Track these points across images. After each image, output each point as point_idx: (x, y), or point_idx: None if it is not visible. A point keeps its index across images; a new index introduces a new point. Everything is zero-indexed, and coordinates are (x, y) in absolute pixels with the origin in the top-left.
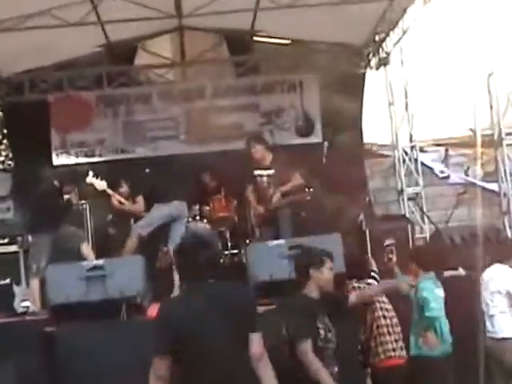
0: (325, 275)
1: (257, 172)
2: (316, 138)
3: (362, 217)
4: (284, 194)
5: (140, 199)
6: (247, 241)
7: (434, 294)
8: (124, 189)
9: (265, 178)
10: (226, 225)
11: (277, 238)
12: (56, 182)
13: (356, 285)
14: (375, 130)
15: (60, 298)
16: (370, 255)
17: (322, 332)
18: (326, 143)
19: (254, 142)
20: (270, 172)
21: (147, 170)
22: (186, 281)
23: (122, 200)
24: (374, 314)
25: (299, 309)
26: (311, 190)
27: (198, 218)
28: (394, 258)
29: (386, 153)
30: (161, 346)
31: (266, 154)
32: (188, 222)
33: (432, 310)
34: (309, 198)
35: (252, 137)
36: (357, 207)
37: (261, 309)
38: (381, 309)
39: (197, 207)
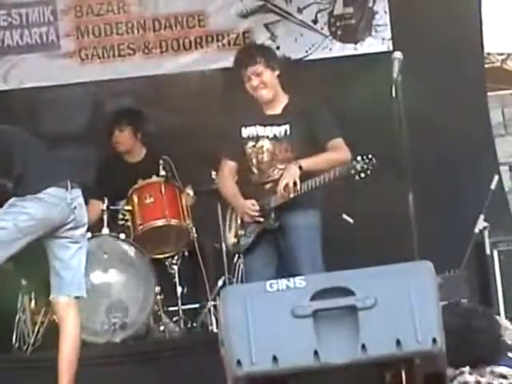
0: None
1: (249, 131)
2: (378, 44)
3: (481, 223)
4: (307, 173)
5: None
6: (220, 281)
7: None
8: None
9: (268, 145)
10: (170, 245)
11: (287, 273)
12: None
13: (471, 379)
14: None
15: None
16: (503, 312)
17: None
18: (399, 55)
19: (255, 58)
20: (282, 130)
21: None
22: None
23: None
24: None
25: None
26: (371, 161)
27: (105, 227)
28: None
29: None
30: None
31: (278, 91)
32: (89, 236)
33: None
34: (361, 178)
35: (251, 46)
36: (470, 201)
37: None
38: None
39: (104, 205)
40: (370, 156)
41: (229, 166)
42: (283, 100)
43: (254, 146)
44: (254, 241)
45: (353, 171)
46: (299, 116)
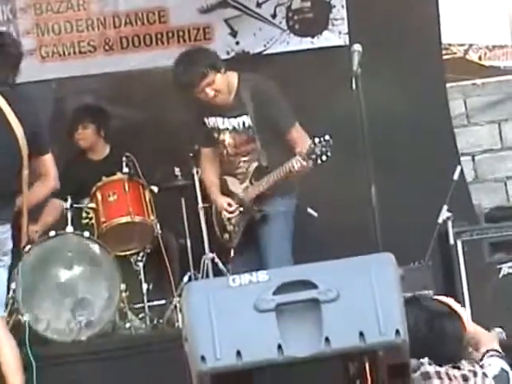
0: None
1: (211, 121)
2: (334, 38)
3: (444, 213)
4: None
5: None
6: (185, 277)
7: None
8: None
9: (229, 139)
10: (135, 242)
11: (253, 268)
12: None
13: (431, 369)
14: (474, 18)
15: None
16: (468, 303)
17: None
18: (358, 48)
19: (203, 71)
20: (241, 121)
21: None
22: None
23: None
24: None
25: None
26: (328, 143)
27: (69, 225)
28: None
29: (499, 65)
30: None
31: (231, 85)
32: (53, 234)
33: None
34: (322, 162)
35: (193, 57)
36: (433, 192)
37: None
38: None
39: (67, 203)
40: (326, 138)
41: (206, 155)
42: (234, 87)
43: (218, 137)
44: (241, 241)
45: (313, 156)
46: (256, 104)
